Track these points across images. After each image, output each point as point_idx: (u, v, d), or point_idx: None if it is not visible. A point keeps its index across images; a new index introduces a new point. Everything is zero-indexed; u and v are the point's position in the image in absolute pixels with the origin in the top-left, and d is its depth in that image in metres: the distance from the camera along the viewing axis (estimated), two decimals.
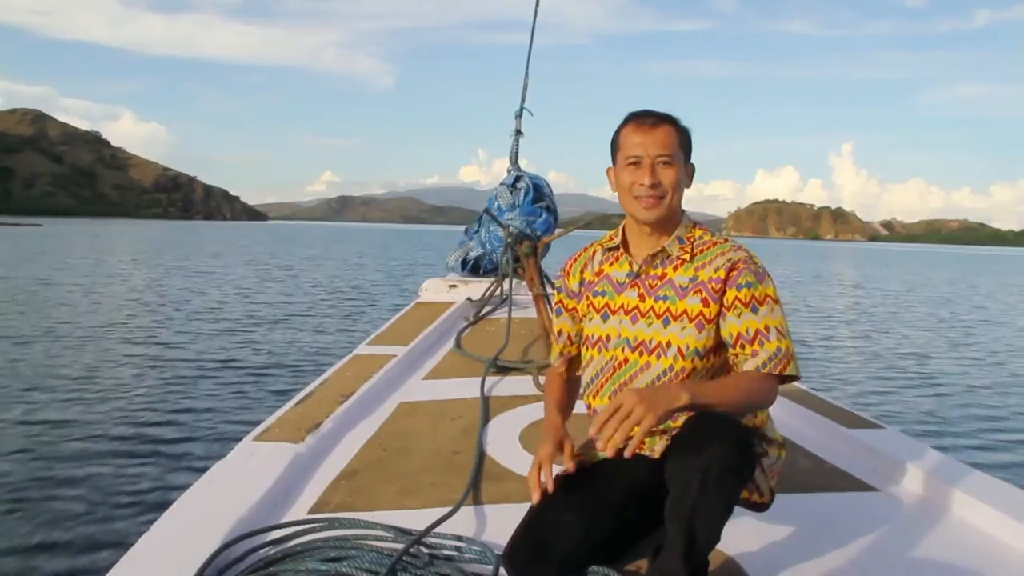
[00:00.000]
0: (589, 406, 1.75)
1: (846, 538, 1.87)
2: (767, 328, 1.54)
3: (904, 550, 1.84)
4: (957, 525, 2.00)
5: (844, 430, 2.68)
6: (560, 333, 1.82)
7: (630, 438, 1.31)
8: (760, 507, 1.65)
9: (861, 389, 8.57)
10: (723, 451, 1.33)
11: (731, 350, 1.58)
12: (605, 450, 1.31)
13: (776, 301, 1.57)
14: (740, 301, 1.55)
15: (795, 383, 3.42)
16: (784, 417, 2.98)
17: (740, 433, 1.41)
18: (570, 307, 1.78)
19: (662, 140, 1.57)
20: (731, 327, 1.55)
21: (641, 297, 1.64)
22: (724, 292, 1.57)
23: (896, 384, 8.94)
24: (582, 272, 1.76)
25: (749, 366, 1.54)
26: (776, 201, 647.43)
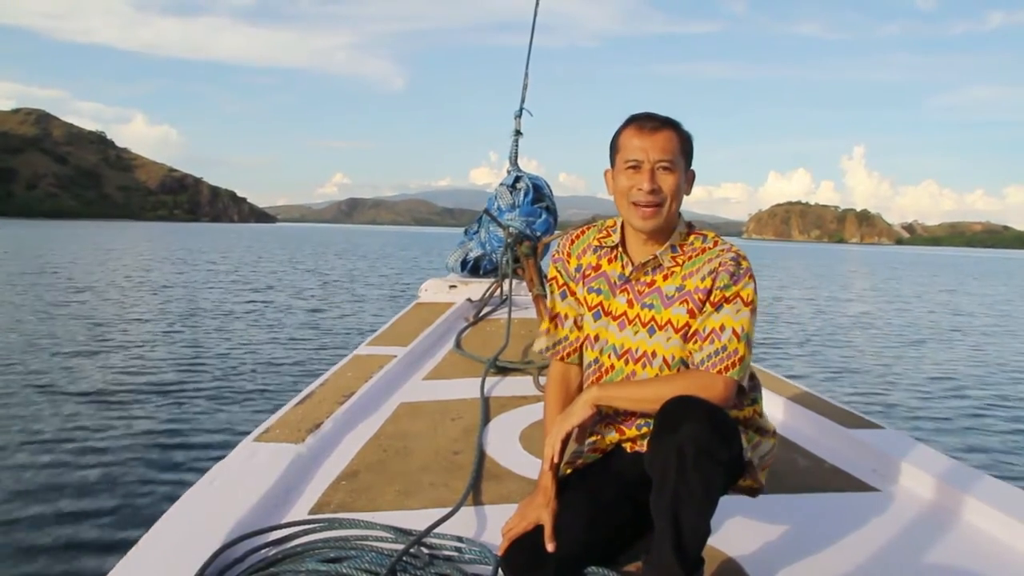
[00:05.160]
0: None
1: (846, 538, 1.87)
2: (722, 327, 1.51)
3: (904, 550, 1.84)
4: (957, 525, 2.00)
5: (844, 430, 2.67)
6: (566, 317, 1.75)
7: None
8: (753, 491, 1.64)
9: (861, 389, 8.56)
10: (696, 428, 1.34)
11: (688, 346, 1.56)
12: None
13: (746, 304, 1.53)
14: (711, 303, 1.54)
15: (795, 383, 3.42)
16: (784, 417, 2.98)
17: (713, 413, 1.39)
18: (574, 290, 1.73)
19: (663, 145, 1.54)
20: (695, 325, 1.55)
21: (629, 303, 1.63)
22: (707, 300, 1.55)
23: (896, 384, 8.93)
24: (579, 258, 1.72)
25: (694, 360, 1.54)
26: (799, 203, 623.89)
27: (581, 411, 1.52)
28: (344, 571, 1.57)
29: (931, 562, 1.79)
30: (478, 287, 5.45)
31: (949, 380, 9.30)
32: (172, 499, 1.96)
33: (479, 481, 2.22)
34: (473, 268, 6.12)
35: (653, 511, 1.38)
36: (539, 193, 5.87)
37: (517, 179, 5.95)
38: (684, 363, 1.57)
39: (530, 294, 4.88)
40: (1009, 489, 2.13)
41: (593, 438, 1.76)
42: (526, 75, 6.04)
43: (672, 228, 1.62)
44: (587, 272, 1.70)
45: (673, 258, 1.60)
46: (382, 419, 2.86)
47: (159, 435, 5.60)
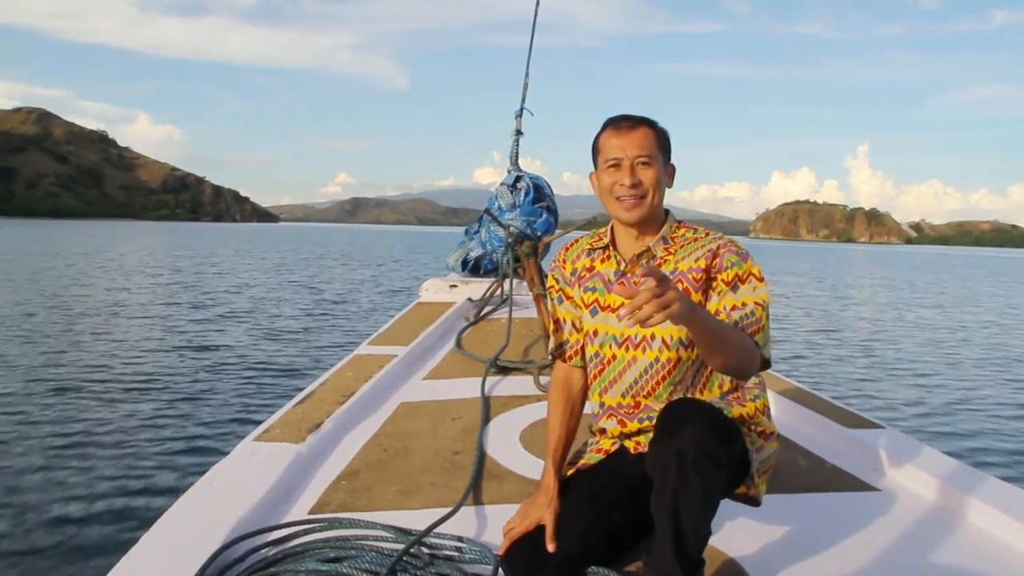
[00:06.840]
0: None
1: (846, 538, 1.87)
2: (743, 304, 1.56)
3: (904, 550, 1.84)
4: (957, 525, 2.00)
5: (844, 429, 2.68)
6: (564, 321, 1.80)
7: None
8: (751, 500, 1.64)
9: (861, 389, 8.55)
10: (697, 433, 1.35)
11: None
12: (628, 318, 1.26)
13: (760, 279, 1.59)
14: (724, 282, 1.58)
15: (795, 383, 3.42)
16: (784, 416, 2.98)
17: (715, 417, 1.41)
18: (570, 294, 1.79)
19: (640, 141, 1.60)
20: (711, 305, 1.58)
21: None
22: (710, 280, 1.59)
23: (896, 384, 8.93)
24: (574, 262, 1.78)
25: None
26: (807, 202, 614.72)
27: (677, 306, 1.27)
28: (344, 571, 1.58)
29: (931, 562, 1.79)
30: (479, 287, 5.45)
31: (950, 380, 9.29)
32: (172, 499, 1.96)
33: (479, 481, 2.22)
34: (474, 268, 6.12)
35: (654, 513, 1.39)
36: (540, 193, 5.87)
37: (518, 179, 5.95)
38: (681, 342, 1.59)
39: (531, 294, 4.88)
40: (1009, 489, 2.13)
41: (595, 438, 1.77)
42: (527, 75, 6.05)
43: (659, 221, 1.67)
44: (582, 274, 1.75)
45: (665, 249, 1.65)
46: (382, 419, 2.86)
47: (159, 435, 5.60)
